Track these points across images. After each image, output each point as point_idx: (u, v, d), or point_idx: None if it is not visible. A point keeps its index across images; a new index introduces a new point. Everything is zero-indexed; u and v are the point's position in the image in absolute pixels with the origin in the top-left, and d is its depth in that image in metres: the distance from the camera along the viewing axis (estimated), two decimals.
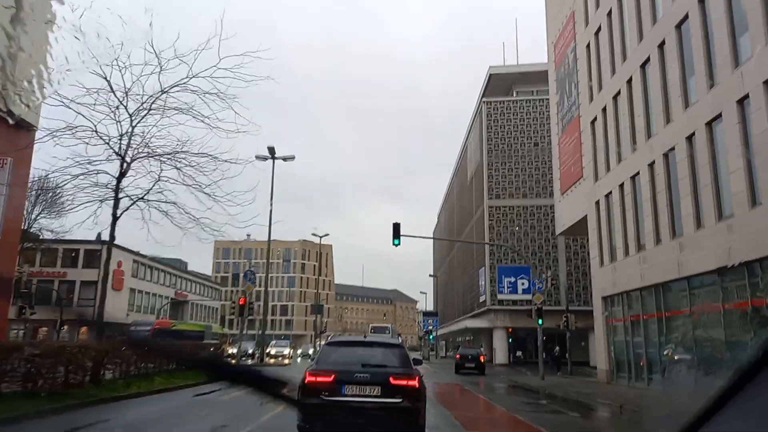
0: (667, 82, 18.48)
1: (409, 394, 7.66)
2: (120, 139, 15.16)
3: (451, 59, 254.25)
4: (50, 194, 42.98)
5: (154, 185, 16.39)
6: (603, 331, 23.70)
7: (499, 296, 47.82)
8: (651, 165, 19.42)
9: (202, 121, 15.78)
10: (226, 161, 16.50)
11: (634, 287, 20.62)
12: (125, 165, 15.85)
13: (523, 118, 50.81)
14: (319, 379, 7.60)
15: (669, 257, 17.80)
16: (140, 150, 16.03)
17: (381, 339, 11.29)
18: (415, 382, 7.83)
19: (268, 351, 42.83)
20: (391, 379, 7.67)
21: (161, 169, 16.42)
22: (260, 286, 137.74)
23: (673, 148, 17.82)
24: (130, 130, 15.09)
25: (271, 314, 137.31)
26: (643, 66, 20.31)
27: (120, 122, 15.46)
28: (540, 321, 26.89)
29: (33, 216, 44.32)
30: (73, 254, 54.64)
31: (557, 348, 37.80)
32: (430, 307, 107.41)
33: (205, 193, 16.17)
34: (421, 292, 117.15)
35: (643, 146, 20.02)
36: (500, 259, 48.45)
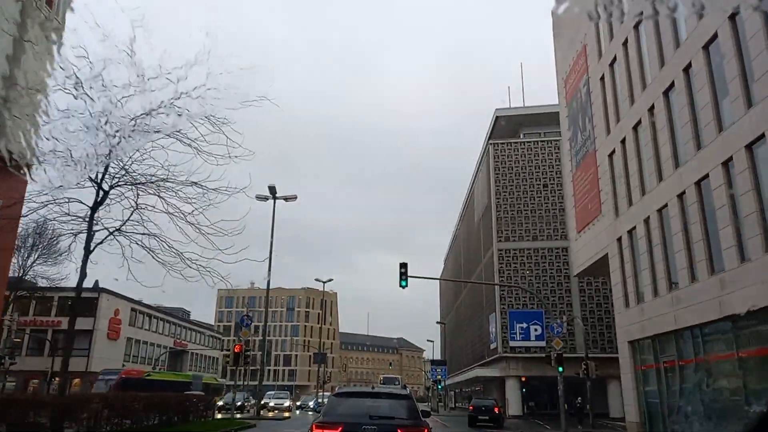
0: (696, 106, 17.21)
1: None
2: (96, 165, 13.81)
3: (449, 113, 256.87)
4: (46, 240, 41.81)
5: (132, 214, 14.89)
6: (632, 379, 21.73)
7: (511, 343, 45.71)
8: (681, 195, 17.95)
9: (189, 145, 14.39)
10: (216, 189, 15.00)
11: (667, 330, 18.82)
12: (101, 193, 14.45)
13: (531, 160, 49.76)
14: (326, 431, 7.61)
15: (708, 296, 16.12)
16: (120, 177, 14.64)
17: (388, 390, 11.11)
18: None
19: (265, 403, 40.55)
20: (399, 431, 7.66)
21: (137, 195, 14.93)
22: (263, 335, 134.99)
23: (707, 176, 16.39)
24: (107, 153, 13.72)
25: (274, 364, 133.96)
26: (667, 92, 19.11)
27: (96, 146, 14.14)
28: (560, 368, 24.86)
29: (28, 263, 42.93)
30: (69, 302, 52.91)
31: (579, 399, 34.97)
32: (438, 356, 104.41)
33: (190, 223, 14.59)
34: (428, 341, 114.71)
35: (671, 176, 18.60)
36: (511, 304, 46.51)
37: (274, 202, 29.74)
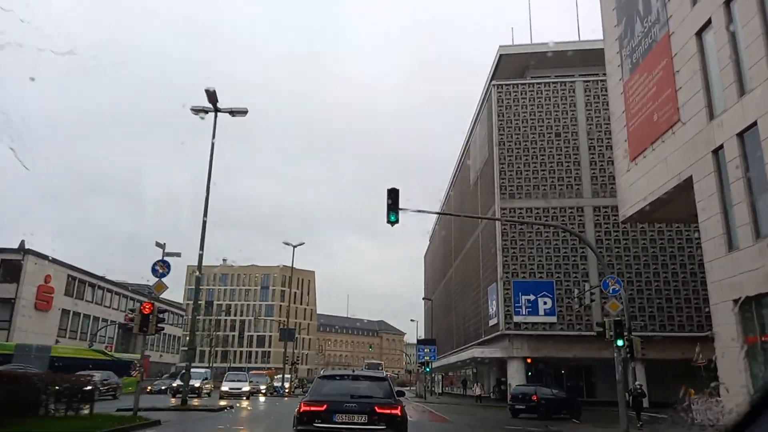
0: None
1: (392, 422, 8.83)
2: None
3: (426, 103, 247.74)
4: None
5: None
6: (741, 356, 14.38)
7: (516, 318, 38.47)
8: None
9: None
10: None
11: None
12: None
13: (541, 105, 42.22)
14: (313, 408, 8.76)
15: None
16: None
17: (367, 373, 12.58)
18: (397, 411, 9.01)
19: (223, 387, 32.99)
20: (376, 408, 8.79)
21: None
22: (236, 314, 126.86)
23: None
24: None
25: (247, 345, 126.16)
26: None
27: None
28: (620, 341, 17.40)
29: None
30: None
31: (638, 384, 25.61)
32: (421, 337, 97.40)
33: None
34: (411, 320, 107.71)
35: None
36: (516, 273, 39.21)
37: (216, 116, 21.76)
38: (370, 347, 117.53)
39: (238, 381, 33.35)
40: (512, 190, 40.60)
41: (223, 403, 26.85)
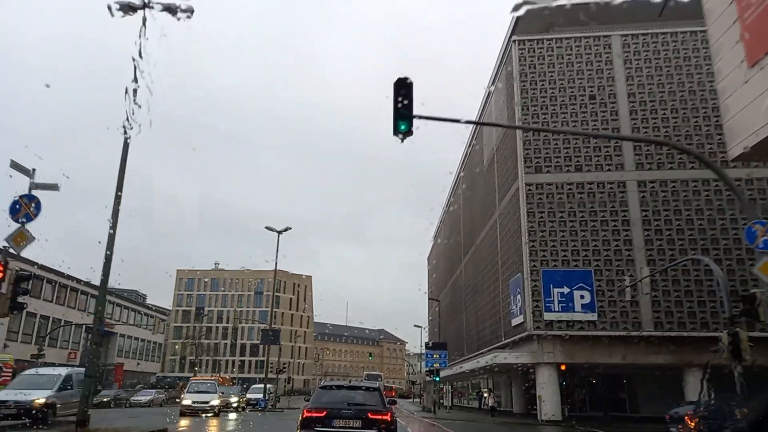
0: None
1: (383, 426, 10.13)
2: None
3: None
4: None
5: None
6: None
7: (546, 316, 31.68)
8: None
9: None
10: None
11: None
12: None
13: (571, 63, 35.69)
14: (314, 414, 10.13)
15: None
16: None
17: (362, 383, 14.20)
18: (387, 417, 10.35)
19: (184, 400, 26.21)
20: (369, 414, 10.18)
21: None
22: (227, 321, 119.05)
23: None
24: None
25: (240, 354, 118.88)
26: None
27: None
28: None
29: None
30: None
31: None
32: (422, 349, 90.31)
33: None
34: (415, 326, 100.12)
35: None
36: (545, 262, 32.49)
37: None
38: (370, 356, 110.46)
39: (205, 393, 26.40)
40: (538, 162, 33.93)
41: (211, 420, 19.94)
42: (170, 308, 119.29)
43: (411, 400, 79.39)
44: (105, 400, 35.10)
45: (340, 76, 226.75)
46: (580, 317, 31.39)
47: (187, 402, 25.64)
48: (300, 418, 10.31)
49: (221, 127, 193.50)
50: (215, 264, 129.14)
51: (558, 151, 33.91)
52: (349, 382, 14.01)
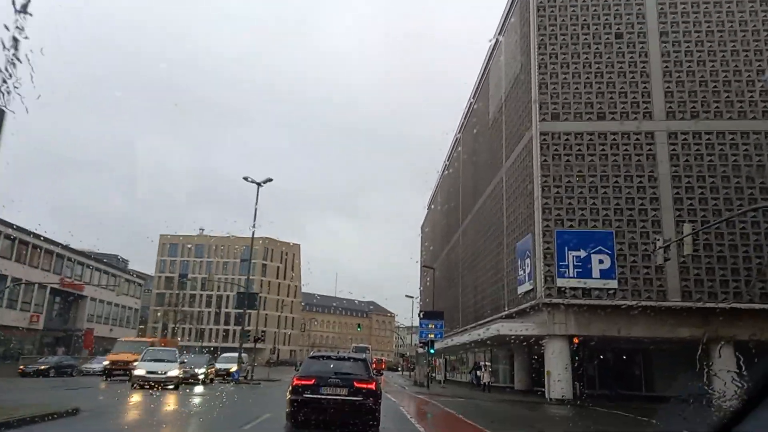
0: None
1: (368, 394, 10.81)
2: None
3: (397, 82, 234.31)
4: None
5: None
6: None
7: (559, 282, 27.90)
8: None
9: None
10: None
11: None
12: None
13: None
14: (303, 382, 10.72)
15: None
16: None
17: (349, 354, 15.45)
18: (372, 386, 10.97)
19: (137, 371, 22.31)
20: (355, 383, 10.79)
21: None
22: (212, 289, 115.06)
23: None
24: None
25: (224, 324, 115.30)
26: None
27: None
28: None
29: None
30: None
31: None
32: (416, 319, 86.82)
33: None
34: (407, 296, 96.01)
35: None
36: (560, 221, 28.60)
37: None
38: (359, 327, 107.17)
39: (162, 362, 22.42)
40: (555, 108, 29.80)
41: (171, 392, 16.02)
42: (152, 274, 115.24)
43: (401, 372, 76.16)
44: (42, 368, 31.10)
45: (338, 48, 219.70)
46: (597, 284, 27.62)
47: (139, 372, 21.63)
48: (290, 386, 10.86)
49: (215, 97, 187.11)
50: (200, 229, 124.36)
51: (578, 96, 29.76)
52: (338, 353, 15.15)
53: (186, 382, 24.46)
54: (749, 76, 28.75)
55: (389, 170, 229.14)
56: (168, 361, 22.64)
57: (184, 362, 24.95)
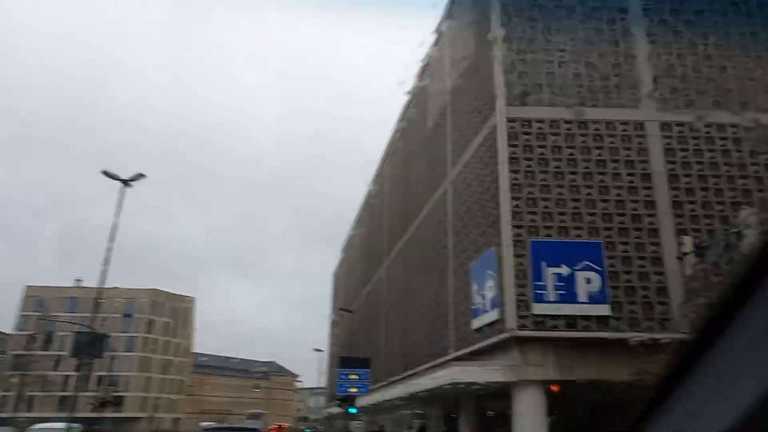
0: None
1: None
2: None
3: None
4: None
5: None
6: None
7: (535, 309, 20.90)
8: None
9: None
10: None
11: None
12: None
13: None
14: None
15: None
16: None
17: (242, 425, 17.24)
18: None
19: None
20: None
21: None
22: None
23: None
24: None
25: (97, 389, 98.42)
26: None
27: None
28: None
29: None
30: None
31: None
32: (320, 379, 76.73)
33: None
34: (315, 350, 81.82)
35: None
36: (534, 229, 21.90)
37: None
38: (256, 389, 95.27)
39: None
40: (525, 87, 23.67)
41: None
42: (10, 332, 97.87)
43: None
44: None
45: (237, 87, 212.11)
46: (585, 310, 20.87)
47: None
48: None
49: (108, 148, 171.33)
50: (76, 280, 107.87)
51: (551, 77, 23.88)
52: (230, 424, 10.63)
53: None
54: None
55: (294, 227, 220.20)
56: None
57: None
